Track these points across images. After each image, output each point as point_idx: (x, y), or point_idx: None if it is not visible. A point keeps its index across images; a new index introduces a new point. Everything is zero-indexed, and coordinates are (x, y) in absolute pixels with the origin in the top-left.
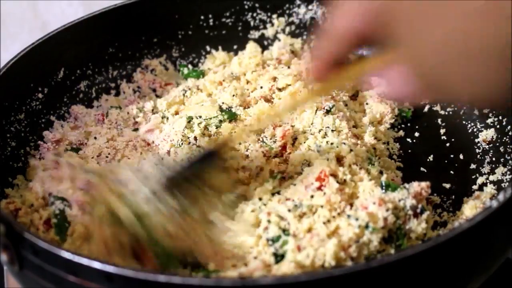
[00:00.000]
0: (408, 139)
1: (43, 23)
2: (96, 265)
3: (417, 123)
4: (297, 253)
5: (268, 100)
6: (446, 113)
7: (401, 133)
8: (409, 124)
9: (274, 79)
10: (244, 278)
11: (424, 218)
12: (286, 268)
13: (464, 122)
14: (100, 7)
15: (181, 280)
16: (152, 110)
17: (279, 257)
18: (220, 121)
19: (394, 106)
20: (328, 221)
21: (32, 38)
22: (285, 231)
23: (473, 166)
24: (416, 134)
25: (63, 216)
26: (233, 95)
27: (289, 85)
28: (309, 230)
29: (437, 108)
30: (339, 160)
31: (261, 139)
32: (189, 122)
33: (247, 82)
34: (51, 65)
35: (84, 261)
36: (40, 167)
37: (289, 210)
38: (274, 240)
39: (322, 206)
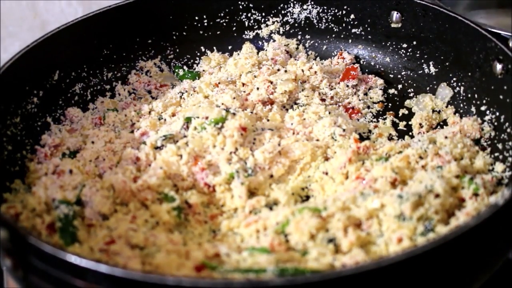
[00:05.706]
0: (407, 135)
1: (43, 22)
2: (103, 268)
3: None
4: None
5: (265, 103)
6: None
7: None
8: (408, 122)
9: (271, 82)
10: (253, 280)
11: None
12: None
13: None
14: (100, 7)
15: (190, 283)
16: (149, 112)
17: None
18: (222, 123)
19: None
20: None
21: (32, 37)
22: None
23: None
24: (415, 130)
25: (68, 220)
26: (233, 98)
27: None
28: None
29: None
30: None
31: None
32: (187, 123)
33: (243, 84)
34: (46, 67)
35: (91, 264)
36: (41, 171)
37: None
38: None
39: None
